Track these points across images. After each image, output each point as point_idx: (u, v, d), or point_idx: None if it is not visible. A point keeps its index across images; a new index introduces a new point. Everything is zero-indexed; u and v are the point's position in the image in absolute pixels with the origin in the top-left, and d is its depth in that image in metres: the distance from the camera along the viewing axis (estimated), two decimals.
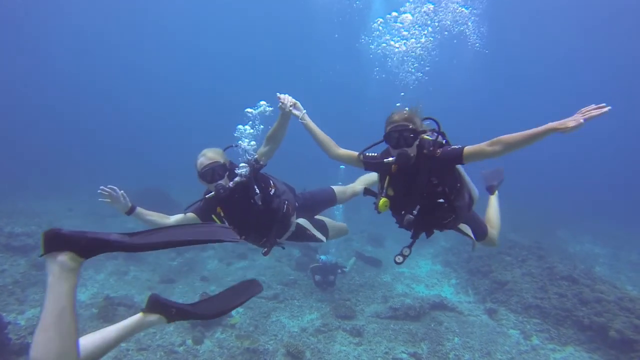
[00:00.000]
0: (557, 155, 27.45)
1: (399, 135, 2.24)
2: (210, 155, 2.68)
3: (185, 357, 4.66)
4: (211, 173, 2.62)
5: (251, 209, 2.72)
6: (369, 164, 2.56)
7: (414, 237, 2.61)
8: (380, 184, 2.53)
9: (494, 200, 3.28)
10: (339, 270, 6.75)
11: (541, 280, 6.35)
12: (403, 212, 2.45)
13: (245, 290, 1.79)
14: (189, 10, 22.77)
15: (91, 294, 6.02)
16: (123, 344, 4.75)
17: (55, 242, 1.10)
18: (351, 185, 3.63)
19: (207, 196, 2.73)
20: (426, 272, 8.09)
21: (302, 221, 3.06)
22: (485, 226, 2.94)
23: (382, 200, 2.39)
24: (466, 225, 2.70)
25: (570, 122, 1.87)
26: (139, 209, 2.68)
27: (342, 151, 2.61)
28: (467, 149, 2.20)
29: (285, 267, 7.68)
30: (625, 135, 26.02)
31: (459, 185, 2.39)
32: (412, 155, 2.26)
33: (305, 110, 2.65)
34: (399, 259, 2.50)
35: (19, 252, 6.41)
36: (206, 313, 1.64)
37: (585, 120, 1.86)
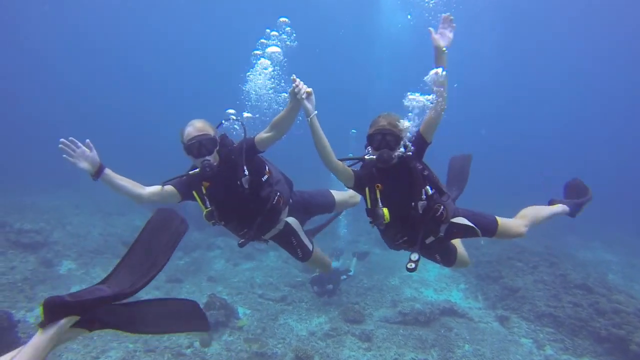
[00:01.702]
0: (563, 158, 27.14)
1: (382, 137, 2.28)
2: (199, 125, 2.36)
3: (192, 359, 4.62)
4: (198, 146, 2.31)
5: (236, 192, 2.46)
6: (359, 175, 2.46)
7: (417, 240, 2.45)
8: (372, 198, 2.41)
9: (554, 207, 2.98)
10: (344, 276, 6.59)
11: (554, 288, 6.23)
12: (403, 212, 2.38)
13: (188, 321, 1.53)
14: (189, 10, 22.62)
15: None
16: (130, 345, 4.73)
17: (58, 310, 1.05)
18: (352, 192, 3.32)
19: (190, 172, 2.45)
20: (435, 275, 7.99)
21: (292, 221, 2.76)
22: (494, 220, 2.69)
23: (385, 210, 2.34)
24: (461, 217, 2.56)
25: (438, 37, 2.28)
26: (108, 171, 2.31)
27: (340, 163, 2.44)
28: (421, 127, 2.38)
29: (293, 268, 7.62)
30: (634, 138, 25.59)
31: (436, 175, 2.48)
32: (393, 156, 2.28)
33: (316, 112, 2.41)
34: (411, 265, 2.39)
35: (28, 249, 6.42)
36: (129, 326, 1.32)
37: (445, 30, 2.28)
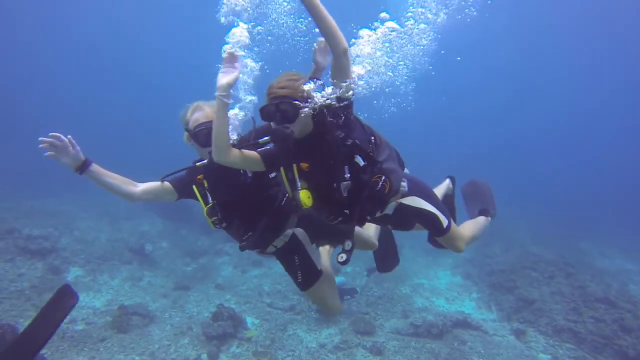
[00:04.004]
0: (576, 159, 26.56)
1: (276, 109, 1.79)
2: (209, 111, 2.09)
3: None
4: (207, 134, 1.99)
5: (238, 182, 2.18)
6: (270, 154, 1.96)
7: (354, 221, 2.04)
8: (289, 178, 2.00)
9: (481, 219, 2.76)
10: (347, 297, 6.35)
11: (573, 301, 5.98)
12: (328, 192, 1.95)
13: (59, 306, 1.38)
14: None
15: (106, 301, 5.94)
16: (137, 357, 4.64)
17: None
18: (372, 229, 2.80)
19: (197, 164, 2.16)
20: (446, 284, 7.79)
21: (299, 232, 2.40)
22: (449, 216, 2.35)
23: (302, 192, 1.90)
24: (417, 198, 2.17)
25: None
26: (95, 166, 2.05)
27: (237, 151, 1.90)
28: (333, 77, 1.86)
29: None
30: None
31: (373, 138, 1.97)
32: (291, 131, 1.84)
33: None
34: (341, 257, 2.01)
35: (36, 256, 6.38)
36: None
37: None
